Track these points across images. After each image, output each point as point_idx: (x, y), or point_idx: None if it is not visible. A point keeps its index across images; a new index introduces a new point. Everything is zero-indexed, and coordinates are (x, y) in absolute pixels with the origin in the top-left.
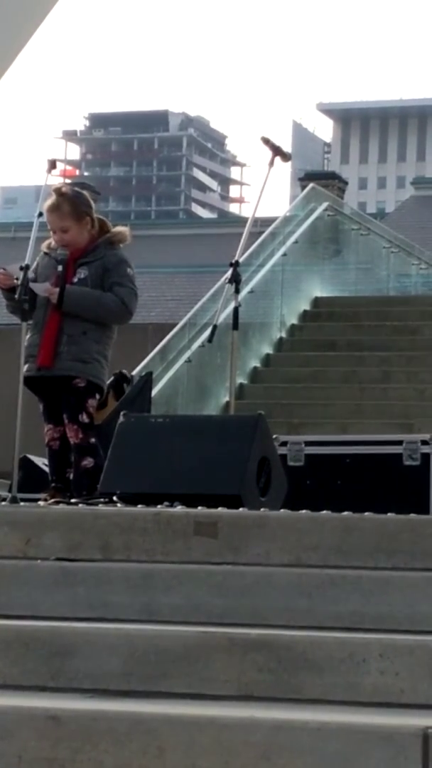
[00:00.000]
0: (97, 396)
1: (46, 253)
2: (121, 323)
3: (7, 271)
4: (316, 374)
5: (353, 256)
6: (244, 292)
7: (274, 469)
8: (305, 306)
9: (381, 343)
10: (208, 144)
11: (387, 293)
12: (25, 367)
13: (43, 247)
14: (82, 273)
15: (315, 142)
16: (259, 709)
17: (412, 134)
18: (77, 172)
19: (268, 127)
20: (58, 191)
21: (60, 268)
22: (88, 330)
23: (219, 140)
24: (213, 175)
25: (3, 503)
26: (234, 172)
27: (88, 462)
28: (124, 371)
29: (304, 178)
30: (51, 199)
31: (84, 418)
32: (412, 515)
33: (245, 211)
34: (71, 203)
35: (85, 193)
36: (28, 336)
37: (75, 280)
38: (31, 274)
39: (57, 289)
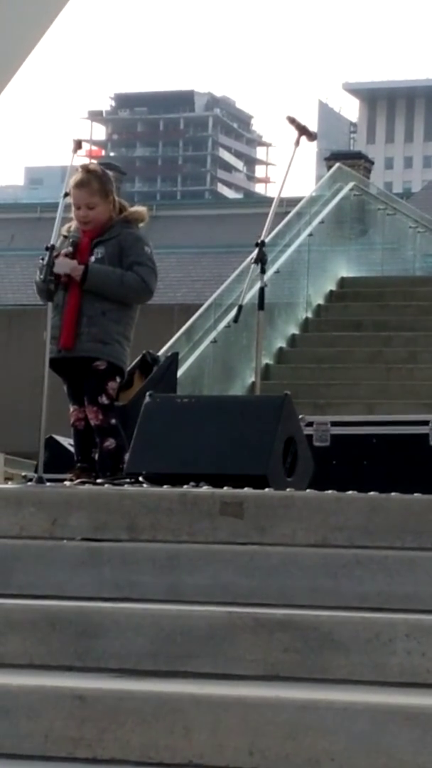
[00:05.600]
0: (118, 378)
1: (65, 237)
2: (141, 302)
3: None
4: (342, 354)
5: (379, 236)
6: (270, 272)
7: (300, 449)
8: (331, 286)
9: (407, 323)
10: (234, 124)
11: (413, 273)
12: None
13: (63, 230)
14: (98, 252)
15: (341, 121)
16: (285, 689)
17: None
18: (103, 153)
19: (294, 107)
20: (86, 168)
21: (70, 248)
22: (108, 310)
23: (245, 120)
24: (239, 155)
25: (29, 483)
26: (260, 152)
27: (110, 443)
28: (152, 351)
29: (330, 158)
30: (79, 175)
31: (104, 399)
32: None
33: (271, 191)
34: (100, 180)
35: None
36: (51, 317)
37: (92, 259)
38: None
39: (81, 267)
